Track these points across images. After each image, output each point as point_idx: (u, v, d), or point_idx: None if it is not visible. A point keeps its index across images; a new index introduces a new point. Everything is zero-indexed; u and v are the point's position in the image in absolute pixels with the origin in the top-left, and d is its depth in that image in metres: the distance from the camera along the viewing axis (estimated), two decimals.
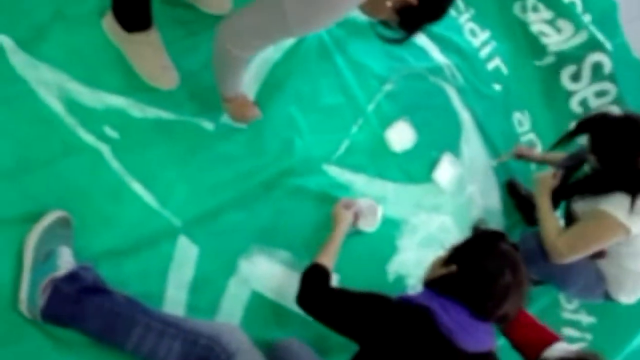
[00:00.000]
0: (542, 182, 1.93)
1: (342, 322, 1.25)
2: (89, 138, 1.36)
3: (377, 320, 1.17)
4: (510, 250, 1.21)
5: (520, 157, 2.23)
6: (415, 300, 1.19)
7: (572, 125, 1.89)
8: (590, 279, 1.89)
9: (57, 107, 1.34)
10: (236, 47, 1.22)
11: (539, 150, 2.44)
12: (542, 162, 2.25)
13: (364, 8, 1.18)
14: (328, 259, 1.48)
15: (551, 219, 1.83)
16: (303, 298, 1.37)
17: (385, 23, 1.22)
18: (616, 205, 1.64)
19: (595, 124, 1.73)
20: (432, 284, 1.24)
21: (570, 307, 2.28)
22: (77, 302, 1.15)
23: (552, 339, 1.39)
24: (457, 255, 1.23)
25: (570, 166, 2.02)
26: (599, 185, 1.73)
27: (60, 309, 1.14)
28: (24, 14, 1.35)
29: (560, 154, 2.17)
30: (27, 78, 1.31)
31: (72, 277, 1.17)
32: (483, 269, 1.17)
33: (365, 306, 1.21)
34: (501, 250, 1.20)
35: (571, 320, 2.26)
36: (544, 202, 1.88)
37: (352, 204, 1.70)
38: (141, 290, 1.32)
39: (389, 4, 1.13)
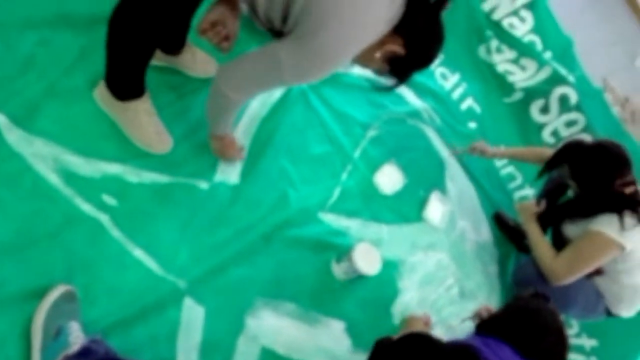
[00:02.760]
0: (524, 210, 2.01)
1: None
2: (87, 208, 1.36)
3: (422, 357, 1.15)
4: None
5: (474, 151, 2.30)
6: (458, 340, 1.19)
7: (549, 155, 1.99)
8: (589, 297, 1.92)
9: (54, 179, 1.34)
10: (233, 91, 1.26)
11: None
12: (495, 157, 2.39)
13: (356, 60, 1.24)
14: None
15: (543, 244, 1.89)
16: None
17: (378, 72, 1.28)
18: (607, 224, 1.70)
19: (571, 154, 1.82)
20: (477, 329, 1.27)
21: (571, 332, 2.29)
22: None
23: None
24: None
25: (553, 192, 2.10)
26: (585, 209, 1.80)
27: None
28: (16, 91, 1.37)
29: (515, 149, 2.28)
30: (23, 154, 1.31)
31: (84, 352, 1.14)
32: (525, 308, 1.24)
33: (412, 345, 1.20)
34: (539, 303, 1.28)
35: (574, 346, 2.26)
36: (533, 229, 1.95)
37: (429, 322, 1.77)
38: (152, 357, 1.29)
39: (377, 55, 1.19)
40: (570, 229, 1.86)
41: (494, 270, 2.23)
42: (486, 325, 1.25)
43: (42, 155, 1.34)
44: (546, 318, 1.22)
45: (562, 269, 1.79)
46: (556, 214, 1.95)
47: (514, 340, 1.16)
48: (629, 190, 1.73)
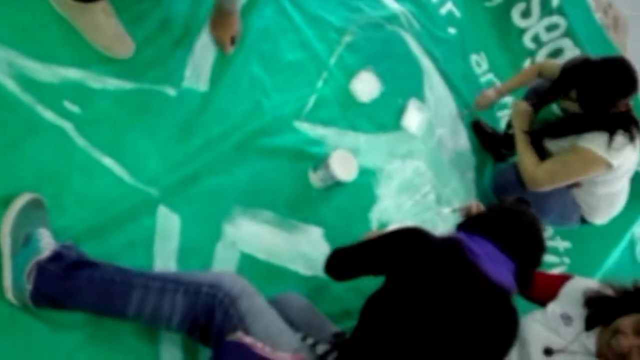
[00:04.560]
0: (519, 112, 1.95)
1: (369, 262, 1.26)
2: (49, 115, 1.29)
3: (405, 250, 1.17)
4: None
5: (482, 107, 2.24)
6: (444, 235, 1.22)
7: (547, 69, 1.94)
8: (566, 206, 1.95)
9: (11, 85, 1.26)
10: None
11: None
12: (502, 96, 2.24)
13: None
14: None
15: (529, 151, 1.87)
16: (330, 266, 1.37)
17: None
18: (597, 142, 1.67)
19: (579, 72, 1.71)
20: (461, 226, 1.31)
21: (546, 235, 2.35)
22: (66, 279, 1.10)
23: (565, 279, 1.44)
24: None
25: (538, 102, 2.03)
26: (579, 126, 1.74)
27: (51, 290, 1.09)
28: None
29: (513, 80, 2.20)
30: None
31: (56, 256, 1.12)
32: (509, 209, 1.29)
33: (395, 238, 1.23)
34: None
35: (549, 247, 2.33)
36: (521, 134, 1.91)
37: None
38: (128, 264, 1.28)
39: None
40: (553, 143, 1.84)
41: (471, 177, 2.25)
42: (472, 223, 1.29)
43: None
44: (528, 221, 1.26)
45: (544, 177, 1.79)
46: (544, 130, 1.89)
47: (497, 237, 1.20)
48: (626, 108, 1.70)
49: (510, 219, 1.26)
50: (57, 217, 1.23)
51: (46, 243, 1.14)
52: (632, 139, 1.66)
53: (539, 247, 1.27)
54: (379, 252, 1.24)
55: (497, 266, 1.15)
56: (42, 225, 1.17)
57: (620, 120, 1.67)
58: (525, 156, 1.86)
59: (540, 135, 1.87)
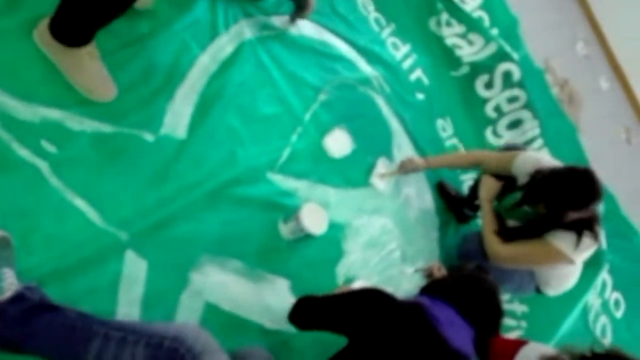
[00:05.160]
0: (487, 187, 2.01)
1: (331, 317, 1.28)
2: (25, 153, 1.29)
3: (369, 312, 1.20)
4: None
5: (404, 170, 2.18)
6: (407, 299, 1.26)
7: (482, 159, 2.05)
8: (524, 277, 2.02)
9: None
10: None
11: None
12: (428, 169, 2.23)
13: None
14: None
15: (493, 226, 1.94)
16: (295, 314, 1.39)
17: None
18: (564, 241, 1.75)
19: (546, 186, 1.75)
20: (424, 290, 1.36)
21: (504, 298, 2.42)
22: (25, 322, 1.08)
23: (521, 344, 1.48)
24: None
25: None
26: (546, 227, 1.80)
27: (8, 333, 1.06)
28: None
29: (447, 159, 2.28)
30: None
31: (18, 298, 1.10)
32: (470, 276, 1.34)
33: (355, 299, 1.25)
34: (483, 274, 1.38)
35: (507, 311, 2.39)
36: (487, 209, 1.98)
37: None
38: (91, 309, 1.25)
39: None
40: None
41: (435, 237, 2.31)
42: (435, 288, 1.34)
43: None
44: (488, 288, 1.32)
45: (507, 258, 1.87)
46: (518, 231, 1.91)
47: (457, 303, 1.24)
48: (591, 213, 1.77)
49: (471, 286, 1.32)
50: (23, 257, 1.21)
51: (9, 283, 1.12)
52: (596, 238, 1.76)
53: (498, 315, 1.32)
54: (343, 310, 1.27)
55: (457, 332, 1.18)
56: (7, 265, 1.15)
57: (587, 223, 1.75)
58: (488, 231, 1.93)
59: (515, 234, 1.90)
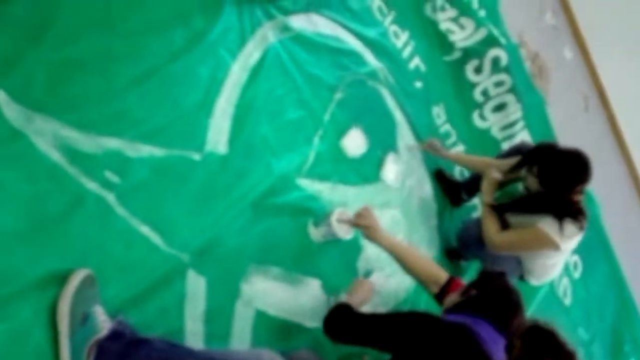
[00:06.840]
0: (490, 183, 2.21)
1: (376, 336, 1.40)
2: (93, 186, 1.32)
3: (413, 331, 1.31)
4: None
5: (429, 149, 2.49)
6: (446, 318, 1.35)
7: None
8: (511, 265, 2.25)
9: (56, 157, 1.28)
10: None
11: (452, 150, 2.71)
12: (448, 159, 2.55)
13: None
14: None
15: (491, 218, 2.14)
16: (330, 326, 1.49)
17: None
18: (550, 226, 1.96)
19: (544, 155, 1.98)
20: (454, 308, 1.44)
21: None
22: (126, 357, 1.17)
23: None
24: (476, 284, 1.47)
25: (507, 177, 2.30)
26: (535, 206, 2.02)
27: None
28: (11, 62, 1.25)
29: (464, 156, 2.48)
30: (24, 131, 1.23)
31: (115, 334, 1.18)
32: (499, 288, 1.42)
33: (401, 319, 1.37)
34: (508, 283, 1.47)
35: None
36: (487, 201, 2.18)
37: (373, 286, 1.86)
38: (163, 329, 1.36)
39: None
40: (512, 217, 2.13)
41: (434, 224, 2.50)
42: (468, 305, 1.43)
43: (41, 132, 1.26)
44: (516, 297, 1.42)
45: (502, 245, 2.09)
46: (506, 206, 2.16)
47: (493, 318, 1.35)
48: (577, 198, 1.97)
49: (502, 299, 1.42)
50: (102, 289, 1.27)
51: (102, 321, 1.19)
52: (581, 228, 1.98)
53: (523, 322, 1.48)
54: (391, 330, 1.37)
55: (498, 348, 1.32)
56: (97, 303, 1.22)
57: (570, 209, 1.96)
58: (488, 222, 2.14)
59: (503, 208, 2.15)
